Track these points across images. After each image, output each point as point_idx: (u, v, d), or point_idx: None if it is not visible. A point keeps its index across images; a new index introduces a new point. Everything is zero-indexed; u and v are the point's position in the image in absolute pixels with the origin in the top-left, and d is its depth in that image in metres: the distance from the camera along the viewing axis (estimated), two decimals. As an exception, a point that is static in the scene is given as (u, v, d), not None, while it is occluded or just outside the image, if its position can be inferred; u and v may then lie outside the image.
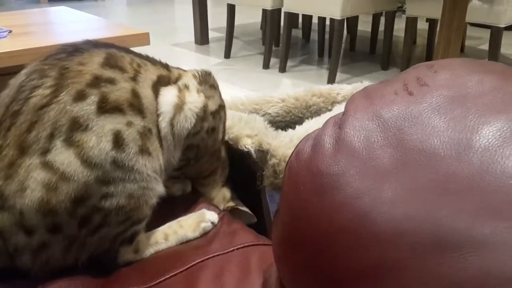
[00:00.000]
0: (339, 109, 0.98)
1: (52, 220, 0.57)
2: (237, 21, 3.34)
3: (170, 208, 0.73)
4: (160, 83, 0.68)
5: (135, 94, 0.63)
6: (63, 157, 0.56)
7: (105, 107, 0.59)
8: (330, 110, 1.02)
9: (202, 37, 3.59)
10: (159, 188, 0.64)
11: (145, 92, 0.65)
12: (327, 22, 3.41)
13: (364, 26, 3.82)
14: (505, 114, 0.37)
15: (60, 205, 0.56)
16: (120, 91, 0.61)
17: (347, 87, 1.04)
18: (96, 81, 0.60)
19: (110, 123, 0.59)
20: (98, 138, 0.57)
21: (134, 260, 0.65)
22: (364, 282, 0.36)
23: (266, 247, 0.63)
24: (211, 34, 3.73)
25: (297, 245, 0.42)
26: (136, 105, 0.62)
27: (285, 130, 0.86)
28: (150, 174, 0.62)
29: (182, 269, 0.59)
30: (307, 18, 3.63)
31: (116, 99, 0.60)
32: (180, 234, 0.68)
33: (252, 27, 4.16)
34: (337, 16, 2.57)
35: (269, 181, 0.79)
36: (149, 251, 0.66)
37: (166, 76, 0.70)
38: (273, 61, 3.07)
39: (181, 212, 0.73)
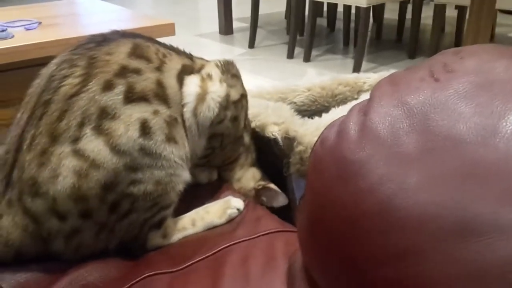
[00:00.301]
0: (365, 98, 0.97)
1: (83, 206, 0.59)
2: (261, 10, 3.33)
3: (196, 195, 0.74)
4: (184, 72, 0.69)
5: (160, 84, 0.64)
6: (93, 145, 0.58)
7: (132, 97, 0.61)
8: (356, 99, 1.01)
9: (226, 27, 3.59)
10: (186, 175, 0.66)
11: (170, 82, 0.66)
12: (353, 11, 3.36)
13: (391, 14, 3.75)
14: (533, 100, 0.37)
15: (91, 191, 0.58)
16: (146, 81, 0.63)
17: (373, 76, 1.03)
18: (123, 71, 0.62)
19: (137, 112, 0.60)
20: (126, 127, 0.59)
21: (162, 245, 0.66)
22: (388, 266, 0.36)
23: (291, 233, 0.64)
24: (235, 24, 3.72)
25: (322, 230, 0.42)
26: (161, 95, 0.64)
27: (311, 119, 0.86)
28: (177, 161, 0.63)
29: (208, 254, 0.60)
30: (332, 7, 3.59)
31: (142, 89, 0.62)
32: (207, 220, 0.70)
33: (277, 17, 4.13)
34: (363, 4, 2.54)
35: (295, 168, 0.79)
36: (177, 236, 0.68)
37: (190, 66, 0.72)
38: (298, 50, 3.05)
39: (207, 199, 0.75)
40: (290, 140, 0.79)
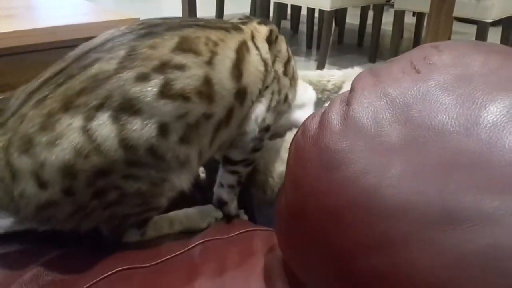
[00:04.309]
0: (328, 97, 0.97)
1: (69, 182, 0.55)
2: (226, 10, 3.32)
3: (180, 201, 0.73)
4: (238, 60, 0.65)
5: (207, 81, 0.61)
6: (105, 130, 0.55)
7: (168, 93, 0.57)
8: (320, 98, 1.00)
9: (189, 26, 3.56)
10: (181, 183, 0.63)
11: (220, 76, 0.62)
12: (316, 14, 3.41)
13: (352, 19, 3.83)
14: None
15: (83, 173, 0.55)
16: (190, 79, 0.59)
17: (338, 73, 1.02)
18: (163, 67, 0.58)
19: (162, 113, 0.57)
20: (143, 124, 0.56)
21: (137, 241, 0.64)
22: (372, 255, 0.36)
23: (267, 232, 0.64)
24: (199, 24, 3.69)
25: (305, 222, 0.42)
26: (205, 93, 0.61)
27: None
28: (177, 165, 0.61)
29: (183, 250, 0.58)
30: (296, 9, 3.63)
31: (182, 87, 0.58)
32: (185, 225, 0.68)
33: (240, 18, 4.14)
34: (327, 8, 2.58)
35: (257, 196, 0.78)
36: (153, 234, 0.66)
37: (244, 43, 0.68)
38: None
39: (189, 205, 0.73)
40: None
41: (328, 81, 1.01)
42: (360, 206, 0.38)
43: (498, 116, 0.36)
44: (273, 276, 0.51)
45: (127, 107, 0.56)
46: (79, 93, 0.56)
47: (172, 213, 0.69)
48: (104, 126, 0.55)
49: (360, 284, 0.37)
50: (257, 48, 0.70)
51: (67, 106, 0.55)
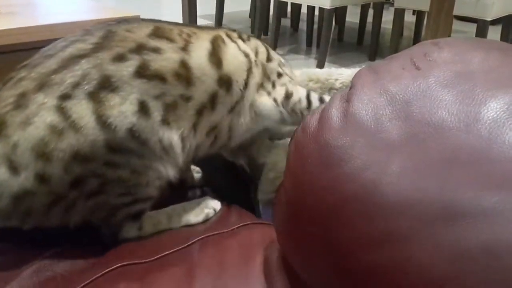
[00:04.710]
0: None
1: (43, 166, 0.54)
2: (226, 9, 3.32)
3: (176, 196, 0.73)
4: (215, 49, 0.67)
5: (183, 64, 0.63)
6: (80, 108, 0.54)
7: (144, 73, 0.59)
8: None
9: (190, 24, 3.55)
10: (166, 170, 0.62)
11: (198, 62, 0.64)
12: (316, 12, 3.41)
13: (352, 17, 3.83)
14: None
15: (58, 153, 0.53)
16: (166, 61, 0.61)
17: (346, 72, 1.01)
18: (140, 49, 0.60)
19: (140, 91, 0.58)
20: (123, 99, 0.56)
21: (136, 236, 0.64)
22: (372, 251, 0.36)
23: (267, 225, 0.64)
24: (200, 21, 3.69)
25: (304, 218, 0.42)
26: (183, 75, 0.62)
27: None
28: (160, 152, 0.60)
29: (182, 246, 0.58)
30: (296, 7, 3.62)
31: (158, 68, 0.60)
32: (183, 218, 0.68)
33: (241, 15, 4.13)
34: (327, 6, 2.57)
35: (265, 197, 0.77)
36: (151, 229, 0.66)
37: (219, 36, 0.70)
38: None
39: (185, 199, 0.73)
40: (258, 167, 0.77)
41: (336, 79, 0.99)
42: (360, 202, 0.38)
43: (498, 113, 0.36)
44: (272, 271, 0.51)
45: (105, 86, 0.56)
46: (55, 71, 0.56)
47: (169, 208, 0.69)
48: (80, 104, 0.55)
49: (359, 279, 0.37)
50: (233, 41, 0.72)
51: (42, 85, 0.55)
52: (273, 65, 0.78)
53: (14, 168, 0.54)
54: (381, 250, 0.36)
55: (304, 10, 3.47)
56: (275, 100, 0.75)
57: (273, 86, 0.76)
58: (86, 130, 0.54)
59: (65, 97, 0.55)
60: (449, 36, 3.21)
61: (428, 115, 0.38)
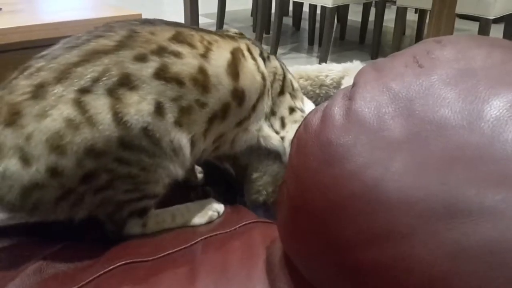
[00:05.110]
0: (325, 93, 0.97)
1: (56, 160, 0.53)
2: (228, 7, 3.32)
3: (181, 196, 0.73)
4: (234, 61, 0.67)
5: (202, 70, 0.63)
6: (98, 103, 0.54)
7: (163, 75, 0.59)
8: (318, 93, 0.99)
9: (192, 23, 3.55)
10: (175, 169, 0.63)
11: (216, 70, 0.64)
12: (318, 11, 3.41)
13: (354, 16, 3.83)
14: (514, 86, 0.38)
15: (72, 146, 0.53)
16: (186, 66, 0.61)
17: (336, 68, 1.00)
18: (161, 51, 0.60)
19: (158, 92, 0.58)
20: (140, 98, 0.57)
21: (139, 234, 0.64)
22: (374, 248, 0.36)
23: (269, 224, 0.64)
24: (201, 20, 3.69)
25: (306, 215, 0.42)
26: (200, 81, 0.62)
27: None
28: (171, 152, 0.61)
29: (185, 246, 0.59)
30: (298, 6, 3.62)
31: (177, 72, 0.60)
32: (187, 218, 0.68)
33: (243, 14, 4.13)
34: (329, 4, 2.57)
35: (251, 198, 0.77)
36: (155, 227, 0.66)
37: (239, 49, 0.70)
38: (263, 48, 3.05)
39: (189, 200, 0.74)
40: (242, 168, 0.78)
41: (327, 76, 0.99)
42: (362, 199, 0.38)
43: (501, 110, 0.36)
44: (275, 270, 0.51)
45: (125, 83, 0.56)
46: (76, 64, 0.56)
47: (173, 207, 0.70)
48: (98, 99, 0.55)
49: (362, 277, 0.37)
50: (254, 59, 0.72)
51: (61, 77, 0.55)
52: (286, 99, 0.79)
53: (26, 160, 0.53)
54: (383, 248, 0.36)
55: (306, 8, 3.47)
56: (282, 138, 0.76)
57: (282, 125, 0.77)
58: (102, 126, 0.54)
59: (84, 91, 0.55)
60: (451, 34, 3.20)
61: (431, 113, 0.38)
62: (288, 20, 3.83)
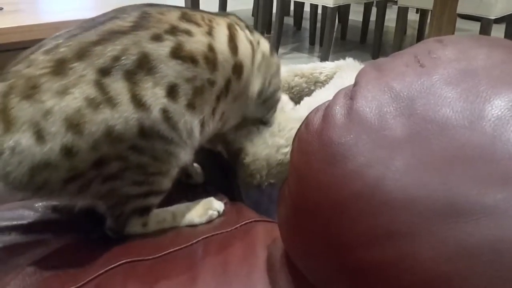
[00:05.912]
0: (323, 91, 0.98)
1: (72, 138, 0.52)
2: (229, 7, 3.32)
3: (181, 196, 0.73)
4: (232, 36, 0.69)
5: (211, 48, 0.64)
6: (117, 86, 0.55)
7: (179, 54, 0.60)
8: (313, 90, 1.01)
9: (192, 22, 3.56)
10: (184, 156, 0.63)
11: (221, 47, 0.66)
12: (319, 11, 3.41)
13: (356, 15, 3.83)
14: (516, 86, 0.38)
15: (91, 127, 0.52)
16: (197, 44, 0.63)
17: (329, 65, 1.03)
18: (174, 30, 0.61)
19: (175, 72, 0.59)
20: (154, 85, 0.57)
21: (140, 233, 0.65)
22: (376, 247, 0.36)
23: (269, 223, 0.64)
24: (202, 20, 3.69)
25: (308, 215, 0.42)
26: (211, 59, 0.64)
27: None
28: (184, 136, 0.61)
29: (186, 245, 0.59)
30: (299, 6, 3.62)
31: (192, 50, 0.62)
32: (187, 217, 0.68)
33: (244, 14, 4.13)
34: (330, 4, 2.57)
35: (244, 181, 0.78)
36: (155, 227, 0.66)
37: (233, 25, 0.72)
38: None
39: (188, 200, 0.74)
40: (235, 152, 0.79)
41: (321, 73, 1.03)
42: (363, 199, 0.38)
43: (502, 110, 0.36)
44: (275, 269, 0.52)
45: (144, 64, 0.57)
46: (96, 43, 0.56)
47: (174, 207, 0.70)
48: (117, 82, 0.55)
49: (363, 276, 0.37)
50: (242, 30, 0.74)
51: (82, 54, 0.55)
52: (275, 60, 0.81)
53: (40, 136, 0.51)
54: (384, 247, 0.36)
55: (307, 8, 3.47)
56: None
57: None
58: (122, 107, 0.54)
59: (104, 72, 0.55)
60: (452, 34, 3.20)
61: (432, 113, 0.38)
62: (289, 20, 3.83)
